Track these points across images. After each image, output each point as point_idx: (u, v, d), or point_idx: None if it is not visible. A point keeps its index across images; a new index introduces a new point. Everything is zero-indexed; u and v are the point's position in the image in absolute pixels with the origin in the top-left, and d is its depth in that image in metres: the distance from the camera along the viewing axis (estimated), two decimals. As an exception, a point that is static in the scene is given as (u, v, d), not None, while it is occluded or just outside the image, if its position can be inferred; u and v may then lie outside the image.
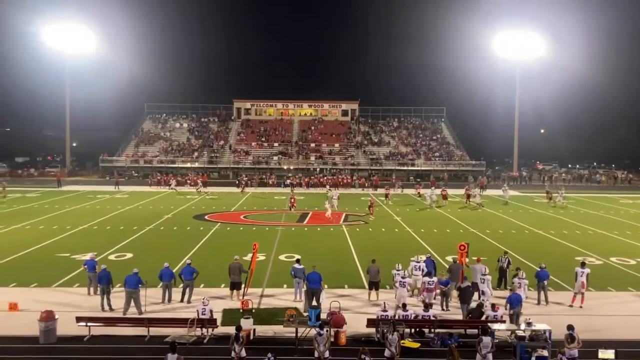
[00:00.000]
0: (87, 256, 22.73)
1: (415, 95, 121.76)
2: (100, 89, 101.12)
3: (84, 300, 20.71)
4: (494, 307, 18.01)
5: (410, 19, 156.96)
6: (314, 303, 19.22)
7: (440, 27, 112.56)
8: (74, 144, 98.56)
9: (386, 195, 53.41)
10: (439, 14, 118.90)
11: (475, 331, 17.60)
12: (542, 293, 20.88)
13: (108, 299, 19.82)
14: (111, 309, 19.58)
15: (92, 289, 21.50)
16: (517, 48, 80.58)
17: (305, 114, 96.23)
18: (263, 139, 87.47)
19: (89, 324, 17.30)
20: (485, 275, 20.54)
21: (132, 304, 19.22)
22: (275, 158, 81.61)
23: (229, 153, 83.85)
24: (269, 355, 13.68)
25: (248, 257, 24.34)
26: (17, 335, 17.11)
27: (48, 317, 16.80)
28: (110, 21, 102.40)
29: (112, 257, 27.86)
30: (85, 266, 21.92)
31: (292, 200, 46.69)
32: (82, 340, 16.95)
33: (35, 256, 28.14)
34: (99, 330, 17.41)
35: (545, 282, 20.92)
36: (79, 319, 17.36)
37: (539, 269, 21.41)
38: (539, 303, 20.73)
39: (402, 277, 20.16)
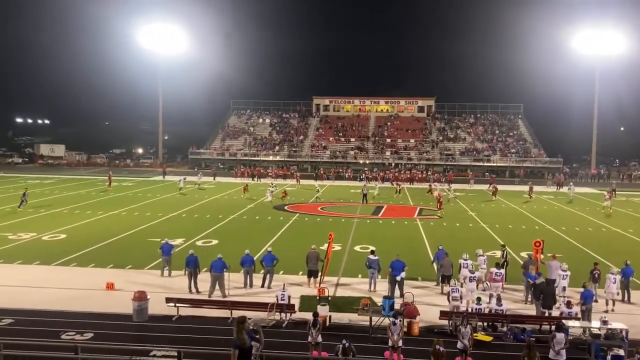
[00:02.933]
0: (165, 241, 23.67)
1: (492, 92, 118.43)
2: (190, 86, 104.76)
3: (173, 282, 21.49)
4: (569, 304, 17.34)
5: (487, 17, 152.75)
6: (397, 290, 19.51)
7: (517, 24, 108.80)
8: (166, 137, 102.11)
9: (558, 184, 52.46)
10: (516, 10, 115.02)
11: (548, 327, 17.01)
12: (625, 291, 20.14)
13: (195, 282, 20.47)
14: (198, 292, 20.19)
15: (165, 271, 22.45)
16: (597, 45, 76.62)
17: (382, 110, 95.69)
18: (340, 134, 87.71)
19: (177, 304, 17.86)
20: (565, 271, 19.96)
21: (217, 287, 19.81)
22: (352, 152, 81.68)
23: (308, 147, 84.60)
24: (344, 341, 13.72)
25: (324, 247, 24.53)
26: (113, 313, 17.97)
27: (141, 297, 17.46)
28: (199, 22, 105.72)
29: (199, 243, 28.76)
30: (161, 250, 22.82)
31: (284, 193, 47.64)
32: (171, 319, 17.57)
33: (130, 240, 29.51)
34: (186, 311, 17.99)
35: (630, 280, 20.08)
36: (168, 300, 17.96)
37: (624, 266, 20.53)
38: (624, 300, 19.94)
39: (471, 272, 19.82)
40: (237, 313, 17.73)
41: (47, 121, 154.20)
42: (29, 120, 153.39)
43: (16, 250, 26.46)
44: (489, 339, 16.31)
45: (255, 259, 21.88)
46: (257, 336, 11.04)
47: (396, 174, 69.69)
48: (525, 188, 56.23)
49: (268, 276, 20.96)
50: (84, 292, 20.09)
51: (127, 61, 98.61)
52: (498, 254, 26.12)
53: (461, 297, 18.16)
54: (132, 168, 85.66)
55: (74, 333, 16.14)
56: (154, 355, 13.90)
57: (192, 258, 20.71)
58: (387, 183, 65.15)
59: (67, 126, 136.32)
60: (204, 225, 34.06)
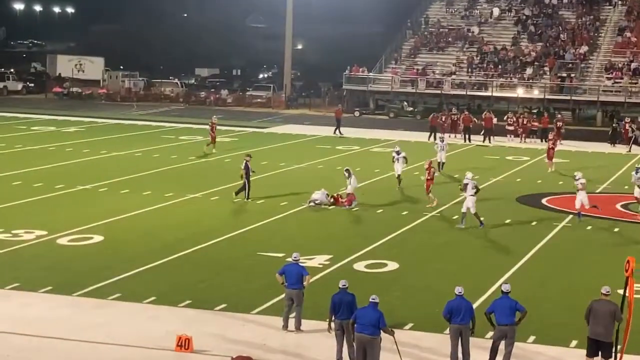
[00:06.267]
0: (292, 257, 23.94)
1: None
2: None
3: (304, 343, 22.04)
4: None
5: None
6: None
7: None
8: (299, 46, 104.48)
9: None
10: None
11: None
12: None
13: (350, 344, 20.84)
14: (354, 366, 20.52)
15: (291, 319, 22.90)
16: None
17: None
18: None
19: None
20: None
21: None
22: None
23: (598, 69, 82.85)
24: None
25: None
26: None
27: (242, 371, 18.02)
28: None
29: (358, 265, 29.44)
30: (283, 275, 23.29)
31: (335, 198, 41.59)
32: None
33: (223, 252, 30.97)
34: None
35: None
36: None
37: None
38: None
39: None
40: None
41: (70, 10, 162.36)
42: (37, 9, 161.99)
43: (11, 263, 28.45)
44: None
45: (474, 307, 21.72)
46: None
47: None
48: None
49: (505, 343, 20.75)
50: (136, 354, 21.16)
51: None
52: None
53: None
54: (233, 107, 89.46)
55: None
56: None
57: (345, 297, 20.89)
58: None
59: (109, 21, 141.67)
60: (369, 229, 34.80)
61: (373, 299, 19.72)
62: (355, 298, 20.86)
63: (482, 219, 35.93)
